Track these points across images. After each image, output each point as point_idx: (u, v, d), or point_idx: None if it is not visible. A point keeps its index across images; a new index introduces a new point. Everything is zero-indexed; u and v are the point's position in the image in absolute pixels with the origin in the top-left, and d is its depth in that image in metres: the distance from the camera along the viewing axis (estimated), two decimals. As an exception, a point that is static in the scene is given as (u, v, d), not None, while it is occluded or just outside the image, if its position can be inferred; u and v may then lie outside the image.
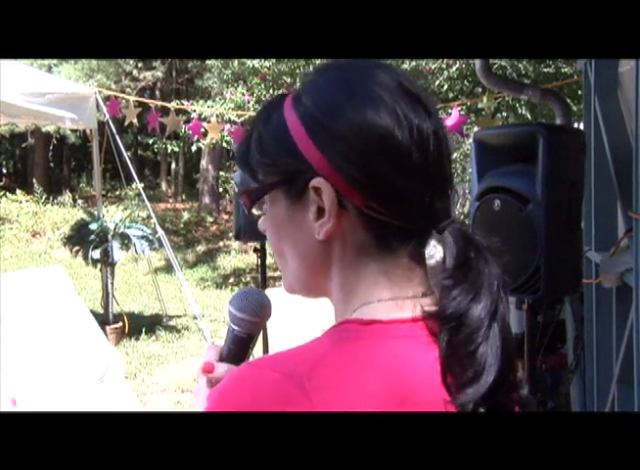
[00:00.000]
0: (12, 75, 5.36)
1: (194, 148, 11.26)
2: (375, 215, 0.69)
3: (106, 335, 6.11)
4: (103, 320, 6.37)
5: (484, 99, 5.24)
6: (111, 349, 4.52)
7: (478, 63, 3.60)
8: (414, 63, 8.05)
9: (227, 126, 7.08)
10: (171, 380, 5.50)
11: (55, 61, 12.62)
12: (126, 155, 6.75)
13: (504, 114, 8.27)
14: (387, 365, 0.66)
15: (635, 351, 2.02)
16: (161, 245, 6.69)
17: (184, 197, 17.45)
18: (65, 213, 13.22)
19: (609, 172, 2.56)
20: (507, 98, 6.51)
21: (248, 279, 10.31)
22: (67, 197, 14.83)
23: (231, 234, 10.94)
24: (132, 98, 6.97)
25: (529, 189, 1.94)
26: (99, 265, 6.53)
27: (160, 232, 6.55)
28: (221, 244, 12.60)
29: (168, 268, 9.19)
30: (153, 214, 6.93)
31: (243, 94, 9.76)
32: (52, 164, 19.32)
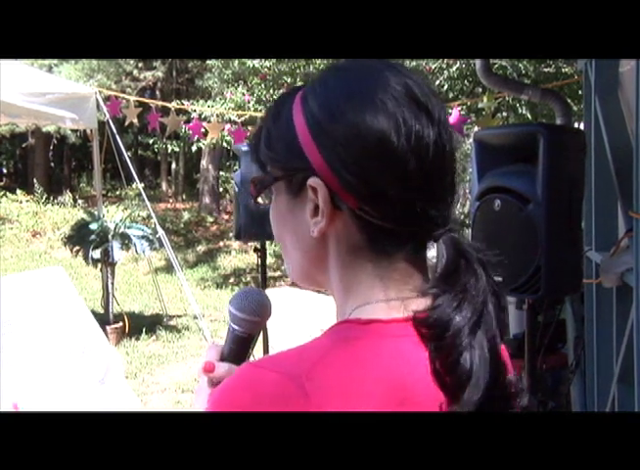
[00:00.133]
0: (12, 75, 5.37)
1: (194, 148, 11.25)
2: (368, 218, 0.70)
3: (106, 335, 6.11)
4: (103, 320, 6.37)
5: (485, 99, 5.24)
6: (111, 349, 4.52)
7: (478, 63, 3.60)
8: (414, 63, 8.04)
9: (227, 126, 7.08)
10: (172, 380, 5.51)
11: (55, 61, 12.63)
12: (127, 155, 6.74)
13: (504, 114, 8.27)
14: (387, 365, 0.66)
15: (635, 351, 2.02)
16: (162, 245, 6.69)
17: (184, 197, 17.46)
18: (65, 213, 13.22)
19: (609, 172, 2.56)
20: (507, 98, 6.52)
21: (248, 279, 10.32)
22: (67, 197, 14.83)
23: (231, 234, 10.93)
24: (132, 98, 6.97)
25: (530, 189, 1.95)
26: (99, 265, 6.53)
27: (161, 232, 6.55)
28: (221, 244, 12.60)
29: (169, 268, 9.19)
30: (153, 214, 6.92)
31: (243, 94, 9.76)
32: (52, 164, 19.33)
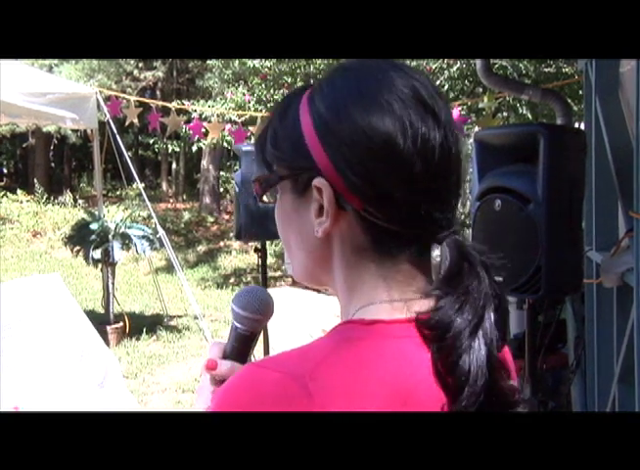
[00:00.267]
0: (12, 75, 5.37)
1: (194, 148, 11.24)
2: (372, 219, 0.70)
3: (107, 335, 6.12)
4: (104, 320, 6.38)
5: (485, 99, 5.25)
6: (109, 352, 4.53)
7: (478, 63, 3.60)
8: (414, 63, 8.04)
9: (228, 126, 7.08)
10: (172, 380, 5.51)
11: (56, 61, 12.64)
12: (127, 155, 6.74)
13: (505, 114, 8.28)
14: (390, 365, 0.66)
15: (636, 350, 2.02)
16: (162, 245, 6.69)
17: (185, 197, 17.46)
18: (65, 213, 13.23)
19: (609, 172, 2.56)
20: (508, 98, 6.52)
21: (248, 279, 10.32)
22: (67, 197, 14.84)
23: (232, 234, 10.95)
24: (133, 98, 6.97)
25: (530, 189, 1.95)
26: (100, 265, 6.53)
27: (161, 232, 6.55)
28: (222, 244, 12.60)
29: (169, 268, 9.20)
30: (153, 214, 6.92)
31: (243, 94, 9.76)
32: (53, 164, 19.34)
